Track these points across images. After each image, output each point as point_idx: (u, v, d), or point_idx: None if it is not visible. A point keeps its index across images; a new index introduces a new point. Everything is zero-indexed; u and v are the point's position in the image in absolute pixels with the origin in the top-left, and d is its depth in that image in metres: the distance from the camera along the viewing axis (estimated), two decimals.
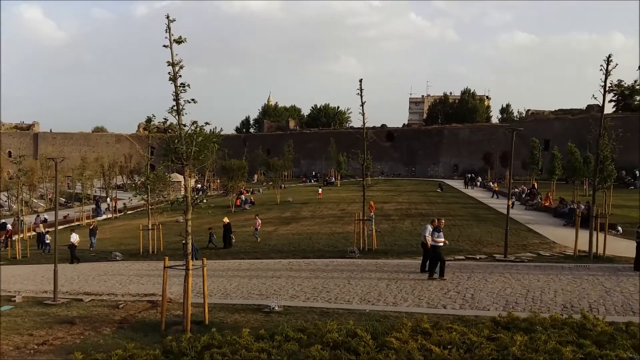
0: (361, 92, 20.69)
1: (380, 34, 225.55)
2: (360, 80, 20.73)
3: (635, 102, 65.56)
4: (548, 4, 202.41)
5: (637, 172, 47.18)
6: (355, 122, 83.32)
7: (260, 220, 26.65)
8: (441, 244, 14.96)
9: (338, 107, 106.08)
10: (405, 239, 22.96)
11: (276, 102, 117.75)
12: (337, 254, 19.95)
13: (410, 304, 11.96)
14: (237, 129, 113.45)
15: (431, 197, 42.15)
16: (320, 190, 47.91)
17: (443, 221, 15.98)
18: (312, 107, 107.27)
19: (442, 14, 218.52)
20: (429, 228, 15.44)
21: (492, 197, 40.61)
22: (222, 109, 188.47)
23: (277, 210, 38.12)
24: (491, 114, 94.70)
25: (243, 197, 45.06)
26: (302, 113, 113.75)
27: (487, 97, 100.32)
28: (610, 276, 13.83)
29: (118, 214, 48.47)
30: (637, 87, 63.08)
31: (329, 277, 15.51)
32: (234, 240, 24.32)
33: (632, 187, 44.96)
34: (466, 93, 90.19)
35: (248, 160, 59.37)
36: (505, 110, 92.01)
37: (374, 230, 21.35)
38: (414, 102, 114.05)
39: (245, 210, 39.93)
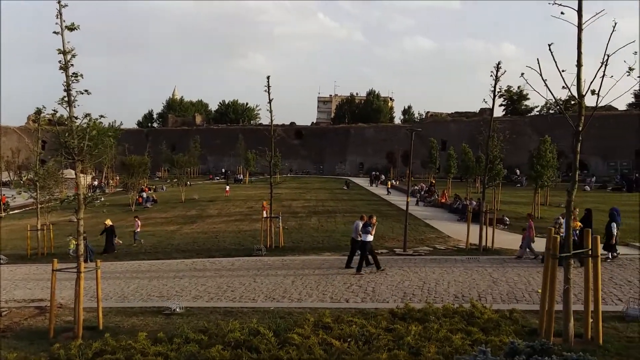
0: (269, 89, 20.59)
1: (289, 33, 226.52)
2: (268, 78, 20.62)
3: (522, 107, 71.64)
4: (446, 12, 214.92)
5: (517, 170, 51.21)
6: (264, 119, 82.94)
7: (140, 222, 24.55)
8: (370, 239, 15.38)
9: (247, 104, 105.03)
10: (312, 235, 23.24)
11: (181, 97, 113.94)
12: (243, 252, 19.73)
13: (315, 300, 12.12)
14: (139, 123, 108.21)
15: (338, 195, 43.07)
16: (227, 187, 47.12)
17: (374, 218, 16.44)
18: (220, 103, 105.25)
19: (349, 16, 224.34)
20: (360, 224, 15.76)
21: (387, 194, 42.49)
22: (123, 102, 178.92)
23: (182, 209, 36.93)
24: (394, 114, 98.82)
25: (145, 195, 43.05)
26: (209, 108, 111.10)
27: (390, 98, 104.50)
28: (498, 267, 14.96)
29: (3, 214, 44.26)
30: (524, 92, 68.84)
31: (235, 276, 15.31)
32: (120, 243, 22.80)
33: (519, 185, 48.97)
34: (371, 94, 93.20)
35: (151, 156, 56.88)
36: (407, 112, 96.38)
37: (281, 228, 21.38)
38: (323, 102, 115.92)
39: (147, 209, 38.23)
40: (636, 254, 16.66)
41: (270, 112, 21.09)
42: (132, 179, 41.56)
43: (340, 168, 76.49)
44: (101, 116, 10.45)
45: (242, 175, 65.78)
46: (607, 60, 7.15)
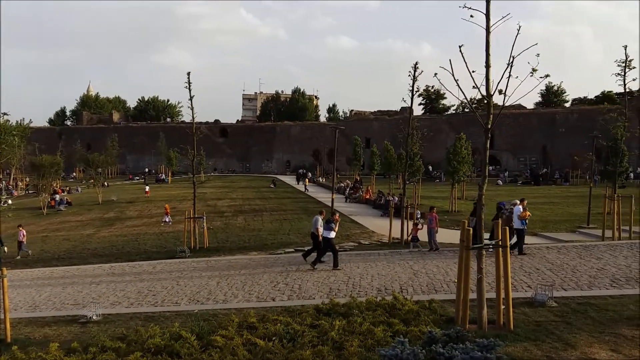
0: (189, 85, 20.05)
1: (211, 28, 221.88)
2: (188, 74, 20.08)
3: (440, 106, 74.85)
4: (366, 12, 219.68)
5: (430, 167, 53.36)
6: (187, 116, 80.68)
7: (24, 232, 21.80)
8: (333, 236, 15.35)
9: (168, 101, 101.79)
10: (239, 235, 22.98)
11: (97, 93, 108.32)
12: (166, 255, 19.12)
13: (241, 300, 11.98)
14: (50, 122, 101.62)
15: (264, 193, 42.85)
16: (147, 188, 45.43)
17: (337, 215, 16.56)
18: (139, 100, 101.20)
19: (272, 13, 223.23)
20: (320, 220, 15.73)
21: (305, 190, 42.97)
22: (33, 99, 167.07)
23: (99, 211, 35.14)
24: (320, 112, 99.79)
25: (58, 197, 40.51)
26: (127, 105, 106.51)
27: (316, 96, 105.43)
28: (418, 260, 15.51)
29: None
30: (441, 92, 72.02)
31: (156, 280, 14.78)
32: (5, 251, 20.96)
33: (438, 180, 51.17)
34: (297, 92, 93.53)
35: (64, 155, 53.64)
36: (332, 110, 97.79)
37: (205, 228, 20.93)
38: (248, 99, 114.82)
39: (60, 212, 36.00)
40: (544, 243, 17.92)
41: (192, 109, 20.58)
42: (44, 181, 38.96)
43: (266, 166, 76.14)
44: (4, 114, 9.71)
45: (164, 175, 63.67)
46: (513, 61, 7.62)
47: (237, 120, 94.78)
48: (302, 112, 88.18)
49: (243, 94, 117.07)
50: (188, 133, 21.78)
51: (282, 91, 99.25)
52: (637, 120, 37.74)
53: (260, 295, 12.19)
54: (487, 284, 9.87)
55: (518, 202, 16.22)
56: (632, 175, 42.17)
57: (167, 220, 27.75)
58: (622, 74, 17.67)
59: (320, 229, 15.52)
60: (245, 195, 41.44)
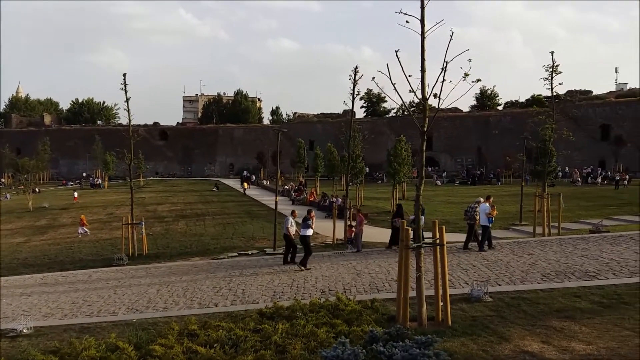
0: (125, 87, 19.44)
1: (149, 28, 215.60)
2: (124, 75, 19.48)
3: (381, 109, 76.33)
4: (307, 14, 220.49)
5: (366, 169, 54.14)
6: (124, 119, 77.98)
7: None
8: (310, 233, 15.36)
9: (104, 102, 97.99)
10: (180, 240, 22.45)
11: (27, 94, 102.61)
12: (102, 263, 18.38)
13: (182, 307, 11.69)
14: None
15: (207, 197, 42.10)
16: (75, 194, 43.52)
17: (313, 213, 16.51)
18: (73, 102, 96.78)
19: (212, 13, 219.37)
20: (291, 220, 15.68)
21: (244, 192, 42.65)
22: None
23: (30, 218, 33.27)
24: (263, 115, 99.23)
25: None
26: (60, 107, 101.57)
27: (259, 99, 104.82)
28: (361, 260, 15.72)
29: None
30: (382, 95, 73.44)
31: (92, 289, 14.17)
32: None
33: (380, 182, 52.12)
34: (239, 94, 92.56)
35: None
36: (275, 112, 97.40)
37: (144, 234, 20.28)
38: (188, 101, 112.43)
39: None
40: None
41: (128, 111, 19.99)
42: None
43: (209, 169, 74.81)
44: None
45: (99, 180, 61.19)
46: (446, 66, 7.89)
47: (178, 122, 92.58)
48: (245, 115, 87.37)
49: (184, 96, 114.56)
50: (125, 136, 21.06)
51: (225, 93, 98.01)
52: (564, 122, 40.03)
53: (202, 302, 11.95)
54: (427, 281, 10.17)
55: (482, 199, 16.66)
56: (560, 174, 44.66)
57: (82, 231, 25.61)
58: (550, 78, 18.70)
59: (292, 229, 15.61)
60: (187, 199, 40.55)
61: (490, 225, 15.96)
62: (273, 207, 21.18)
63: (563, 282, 11.17)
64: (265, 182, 54.76)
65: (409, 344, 5.78)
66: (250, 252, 18.70)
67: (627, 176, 40.40)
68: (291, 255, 15.68)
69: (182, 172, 75.34)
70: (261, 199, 38.86)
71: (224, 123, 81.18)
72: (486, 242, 15.78)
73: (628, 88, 66.40)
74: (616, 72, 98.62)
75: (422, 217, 15.15)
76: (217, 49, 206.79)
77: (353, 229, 18.06)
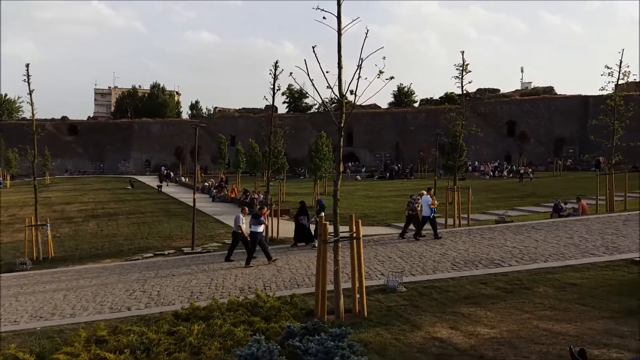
0: (28, 78, 18.08)
1: (58, 17, 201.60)
2: (27, 65, 18.11)
3: (303, 104, 76.63)
4: (228, 7, 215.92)
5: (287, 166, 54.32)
6: (28, 112, 72.48)
7: None
8: (261, 230, 15.00)
9: (6, 95, 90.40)
10: (90, 242, 21.26)
11: None
12: (3, 269, 16.98)
13: (92, 312, 11.08)
14: None
15: (121, 195, 40.19)
16: None
17: (265, 209, 16.25)
18: None
19: (127, 3, 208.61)
20: (241, 217, 15.23)
21: (159, 190, 41.55)
22: None
23: None
24: (181, 109, 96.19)
25: None
26: None
27: (177, 92, 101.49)
28: (282, 255, 15.71)
29: None
30: (304, 91, 73.71)
31: None
32: None
33: (302, 177, 52.39)
34: (156, 87, 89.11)
35: None
36: (194, 107, 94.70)
37: (50, 236, 18.99)
38: (100, 94, 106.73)
39: None
40: (396, 232, 19.21)
41: (32, 104, 18.63)
42: None
43: (123, 166, 71.45)
44: None
45: (1, 178, 56.50)
46: (362, 63, 8.03)
47: (89, 116, 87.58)
48: (163, 109, 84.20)
49: (95, 89, 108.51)
50: (28, 131, 19.59)
51: (140, 86, 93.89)
52: (473, 118, 42.39)
53: (114, 306, 11.39)
54: (345, 275, 10.36)
55: (425, 192, 17.23)
56: (470, 168, 47.26)
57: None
58: (460, 77, 19.70)
59: (244, 226, 15.29)
60: (99, 198, 38.48)
61: (432, 215, 16.57)
62: (191, 204, 20.61)
63: (471, 270, 11.83)
64: (184, 179, 53.23)
65: (325, 337, 5.84)
66: (166, 252, 18.09)
67: (530, 170, 43.54)
68: (248, 253, 15.12)
69: (94, 169, 71.37)
70: (179, 196, 37.71)
71: (139, 117, 77.76)
72: (422, 230, 16.56)
73: (532, 87, 71.57)
74: (522, 71, 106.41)
75: (322, 214, 15.54)
76: (133, 40, 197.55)
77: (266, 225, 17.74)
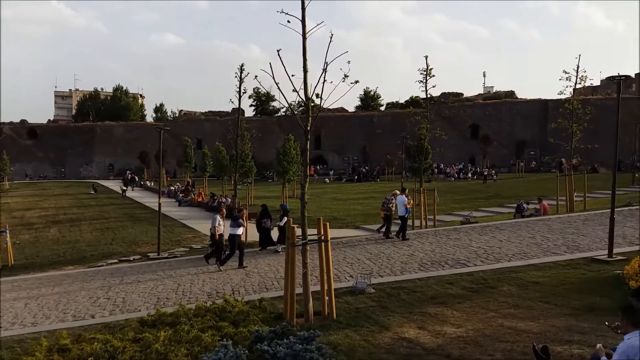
0: None
1: (15, 16, 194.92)
2: None
3: (270, 107, 76.38)
4: (192, 10, 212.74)
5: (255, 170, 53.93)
6: None
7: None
8: (240, 233, 14.73)
9: None
10: (51, 248, 20.63)
11: None
12: None
13: (54, 321, 10.75)
14: None
15: (84, 200, 39.12)
16: None
17: (244, 211, 15.99)
18: None
19: (87, 3, 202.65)
20: (218, 218, 15.09)
21: (123, 194, 40.92)
22: None
23: None
24: (146, 112, 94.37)
25: None
26: None
27: (141, 95, 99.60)
28: (250, 260, 15.49)
29: None
30: (271, 94, 73.39)
31: None
32: None
33: (271, 181, 52.14)
34: (119, 90, 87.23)
35: None
36: (159, 110, 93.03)
37: (9, 244, 18.33)
38: (61, 97, 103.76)
39: None
40: (364, 234, 19.37)
41: None
42: None
43: (86, 170, 69.54)
44: None
45: None
46: (327, 67, 8.08)
47: (49, 120, 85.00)
48: (126, 112, 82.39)
49: (55, 91, 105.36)
50: None
51: (102, 89, 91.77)
52: (438, 122, 43.15)
53: (77, 314, 11.09)
54: (314, 277, 10.37)
55: (399, 192, 17.47)
56: (436, 170, 48.04)
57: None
58: (424, 81, 19.99)
59: (220, 228, 15.11)
60: (60, 203, 37.35)
61: (407, 216, 16.79)
62: (157, 209, 20.24)
63: (438, 271, 12.02)
64: (149, 183, 52.25)
65: (293, 340, 5.83)
66: (132, 258, 17.72)
67: (494, 172, 44.57)
68: (225, 255, 14.94)
69: (55, 174, 69.21)
70: (144, 201, 36.99)
71: (102, 120, 75.88)
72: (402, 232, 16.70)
73: (494, 91, 73.37)
74: (484, 76, 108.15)
75: (285, 218, 15.60)
76: (94, 42, 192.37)
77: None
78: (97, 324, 10.05)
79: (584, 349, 6.30)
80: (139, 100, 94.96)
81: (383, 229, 17.45)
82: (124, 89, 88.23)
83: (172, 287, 12.75)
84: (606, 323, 5.26)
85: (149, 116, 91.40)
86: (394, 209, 17.04)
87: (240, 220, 15.10)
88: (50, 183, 59.82)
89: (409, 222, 17.71)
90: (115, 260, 17.42)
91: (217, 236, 15.24)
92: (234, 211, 16.31)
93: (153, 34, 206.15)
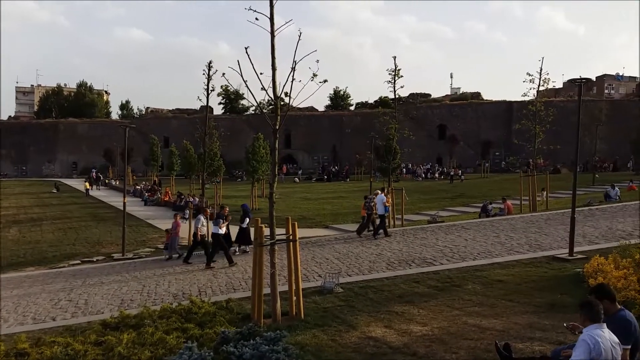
0: None
1: None
2: None
3: (240, 106, 75.76)
4: (159, 5, 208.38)
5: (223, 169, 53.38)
6: None
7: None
8: (223, 232, 14.73)
9: None
10: (10, 249, 19.91)
11: None
12: None
13: (12, 324, 10.39)
14: None
15: (46, 199, 37.95)
16: None
17: (226, 209, 15.84)
18: None
19: None
20: (202, 219, 15.10)
21: (87, 195, 40.10)
22: None
23: None
24: (111, 109, 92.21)
25: None
26: None
27: (106, 91, 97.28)
28: (218, 260, 15.36)
29: None
30: (241, 92, 72.75)
31: None
32: None
33: (240, 180, 51.70)
34: (83, 86, 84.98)
35: None
36: (125, 107, 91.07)
37: None
38: (22, 92, 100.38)
39: None
40: (333, 234, 19.42)
41: None
42: None
43: (48, 169, 67.51)
44: None
45: None
46: (295, 65, 8.04)
47: (10, 116, 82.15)
48: (91, 109, 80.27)
49: (16, 87, 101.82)
50: None
51: (66, 84, 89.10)
52: (406, 122, 43.64)
53: (37, 317, 10.74)
54: (283, 277, 10.33)
55: (380, 191, 17.74)
56: (404, 170, 48.58)
57: None
58: (393, 81, 20.19)
59: (203, 229, 15.16)
60: (21, 202, 36.13)
61: (386, 214, 17.10)
62: (122, 208, 19.79)
63: (405, 270, 12.14)
64: (114, 181, 51.11)
65: (260, 341, 5.79)
66: (95, 259, 17.29)
67: (460, 172, 45.37)
68: (209, 254, 14.75)
69: (16, 172, 66.94)
70: (109, 200, 36.14)
71: (65, 117, 73.78)
72: (381, 230, 16.90)
73: (461, 92, 74.64)
74: (451, 77, 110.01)
75: (247, 219, 15.55)
76: (57, 36, 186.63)
77: (170, 233, 16.85)
78: (58, 326, 9.76)
79: (545, 346, 6.46)
80: (104, 97, 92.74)
81: (368, 229, 17.62)
82: (89, 85, 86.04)
83: (136, 289, 12.49)
84: (564, 324, 5.42)
85: (115, 113, 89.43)
86: (375, 208, 17.30)
87: (221, 221, 14.95)
88: (11, 182, 57.80)
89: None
90: (78, 261, 16.96)
91: (200, 237, 15.16)
92: (224, 208, 16.12)
93: (119, 29, 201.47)
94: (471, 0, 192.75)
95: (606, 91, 72.94)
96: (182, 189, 35.78)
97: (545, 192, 23.07)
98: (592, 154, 41.03)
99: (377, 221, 17.13)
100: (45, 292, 12.81)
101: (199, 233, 15.22)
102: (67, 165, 67.92)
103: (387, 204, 17.16)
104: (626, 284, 8.26)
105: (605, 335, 4.40)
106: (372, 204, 17.30)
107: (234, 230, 16.25)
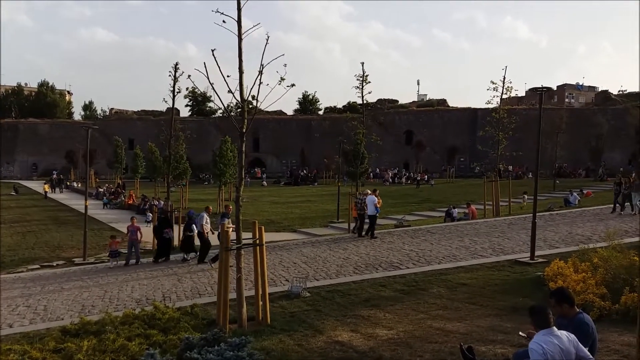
0: None
1: None
2: None
3: (207, 108, 74.92)
4: (125, 5, 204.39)
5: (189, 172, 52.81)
6: None
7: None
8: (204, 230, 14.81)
9: None
10: None
11: None
12: None
13: None
14: None
15: (3, 202, 36.49)
16: None
17: (230, 207, 15.50)
18: None
19: None
20: (205, 217, 14.96)
21: (45, 197, 39.02)
22: None
23: None
24: (73, 110, 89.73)
25: None
26: None
27: (68, 92, 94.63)
28: (182, 265, 15.17)
29: None
30: (208, 95, 71.97)
31: None
32: None
33: (207, 183, 51.07)
34: (44, 86, 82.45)
35: None
36: (88, 107, 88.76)
37: None
38: None
39: None
40: (301, 238, 19.39)
41: None
42: None
43: (7, 170, 65.12)
44: None
45: None
46: (262, 69, 8.01)
47: None
48: (52, 109, 77.90)
49: None
50: None
51: (27, 84, 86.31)
52: (374, 127, 44.04)
53: None
54: (250, 282, 10.23)
55: (369, 192, 17.95)
56: (372, 174, 48.94)
57: None
58: (361, 87, 20.36)
59: (207, 227, 15.02)
60: None
61: (377, 214, 17.41)
62: (83, 211, 19.26)
63: (372, 274, 12.22)
64: (76, 184, 49.72)
65: (224, 347, 5.71)
66: (55, 264, 16.75)
67: (426, 176, 46.00)
68: (200, 254, 14.73)
69: None
70: (70, 203, 35.13)
71: (25, 117, 71.43)
72: (370, 231, 17.13)
73: (427, 99, 75.87)
74: (418, 84, 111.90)
75: (194, 226, 15.46)
76: (17, 35, 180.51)
77: (117, 239, 16.49)
78: (16, 333, 9.42)
79: (507, 349, 6.58)
80: (67, 97, 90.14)
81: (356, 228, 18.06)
82: (50, 84, 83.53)
83: (98, 294, 12.16)
84: (520, 333, 5.55)
85: (77, 114, 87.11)
86: (366, 208, 17.47)
87: (224, 218, 14.54)
88: None
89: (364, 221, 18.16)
90: (37, 266, 16.40)
91: (206, 235, 15.15)
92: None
93: (82, 28, 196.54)
94: (437, 9, 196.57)
95: (567, 100, 75.39)
96: (147, 192, 35.08)
97: (525, 196, 23.70)
98: (554, 160, 42.30)
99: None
100: (2, 298, 12.31)
101: (205, 231, 15.19)
102: (27, 167, 65.73)
103: (378, 205, 17.37)
104: (585, 287, 8.52)
105: (554, 341, 4.45)
106: (363, 204, 17.51)
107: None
